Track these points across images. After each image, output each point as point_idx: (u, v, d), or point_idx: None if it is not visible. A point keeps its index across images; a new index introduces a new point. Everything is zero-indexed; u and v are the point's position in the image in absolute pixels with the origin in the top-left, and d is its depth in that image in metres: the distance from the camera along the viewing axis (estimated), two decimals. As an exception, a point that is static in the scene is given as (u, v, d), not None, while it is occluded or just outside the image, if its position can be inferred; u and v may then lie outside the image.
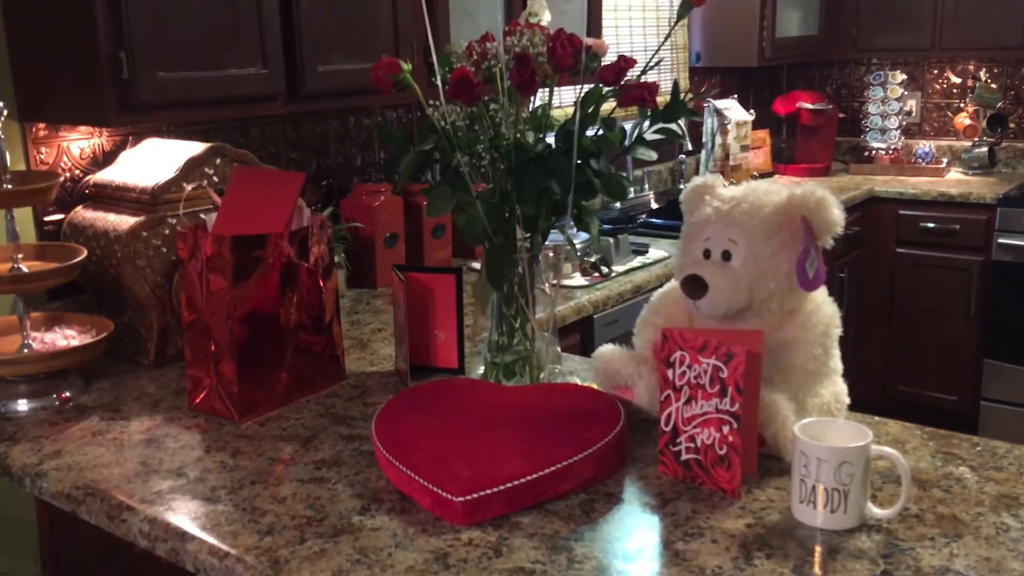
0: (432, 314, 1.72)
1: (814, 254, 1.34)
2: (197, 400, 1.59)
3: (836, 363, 1.42)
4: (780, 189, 1.38)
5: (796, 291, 1.36)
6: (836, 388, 1.42)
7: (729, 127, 3.77)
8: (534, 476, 1.23)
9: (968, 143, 4.12)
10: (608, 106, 1.48)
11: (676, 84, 1.49)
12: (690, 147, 3.75)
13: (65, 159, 1.95)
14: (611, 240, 2.62)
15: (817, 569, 1.09)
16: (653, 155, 1.51)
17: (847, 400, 1.44)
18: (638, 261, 2.66)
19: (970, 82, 4.19)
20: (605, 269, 2.52)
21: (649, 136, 1.50)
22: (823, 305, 1.39)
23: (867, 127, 4.24)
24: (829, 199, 1.33)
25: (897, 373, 3.82)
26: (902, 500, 1.17)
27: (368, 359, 1.86)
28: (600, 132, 1.49)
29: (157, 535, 1.23)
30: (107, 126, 1.92)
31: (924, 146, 4.19)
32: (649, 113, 1.47)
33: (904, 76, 4.18)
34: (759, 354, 1.25)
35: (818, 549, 1.14)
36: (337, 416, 1.57)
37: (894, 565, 1.09)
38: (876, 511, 1.18)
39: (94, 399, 1.67)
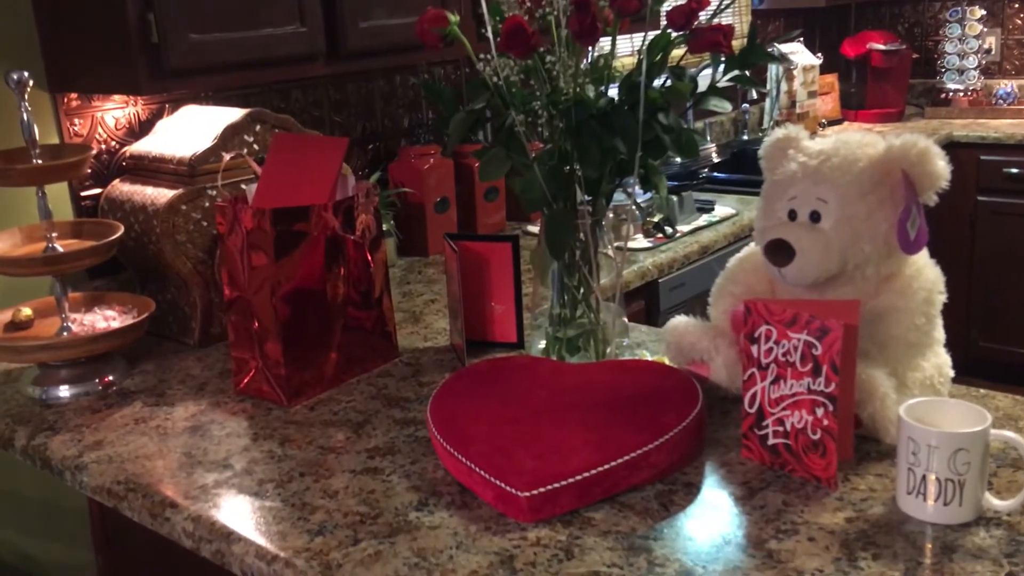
0: (488, 285, 1.61)
1: (916, 212, 1.19)
2: (243, 383, 1.51)
3: (939, 333, 1.28)
4: (875, 140, 1.23)
5: (895, 254, 1.21)
6: (939, 360, 1.28)
7: (795, 72, 3.56)
8: (605, 467, 1.11)
9: (1053, 81, 3.86)
10: (676, 53, 1.34)
11: (754, 25, 1.34)
12: (755, 95, 3.55)
13: (100, 130, 1.86)
14: (674, 198, 2.47)
15: (931, 572, 0.97)
16: (727, 106, 1.36)
17: (951, 373, 1.30)
18: (704, 220, 2.51)
19: (1055, 15, 3.90)
20: (669, 230, 2.37)
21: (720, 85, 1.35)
22: (924, 269, 1.24)
23: (943, 67, 3.98)
24: (933, 149, 1.18)
25: (978, 329, 3.62)
26: (1026, 490, 1.03)
27: (421, 333, 1.75)
28: (668, 83, 1.35)
29: (202, 535, 1.14)
30: (138, 94, 1.82)
31: (1005, 86, 3.92)
32: (723, 59, 1.32)
33: (983, 11, 3.90)
34: (856, 327, 1.11)
35: (931, 547, 1.01)
36: (390, 398, 1.47)
37: (1020, 566, 0.96)
38: (995, 502, 1.05)
39: (137, 383, 1.59)
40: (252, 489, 1.21)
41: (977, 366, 3.42)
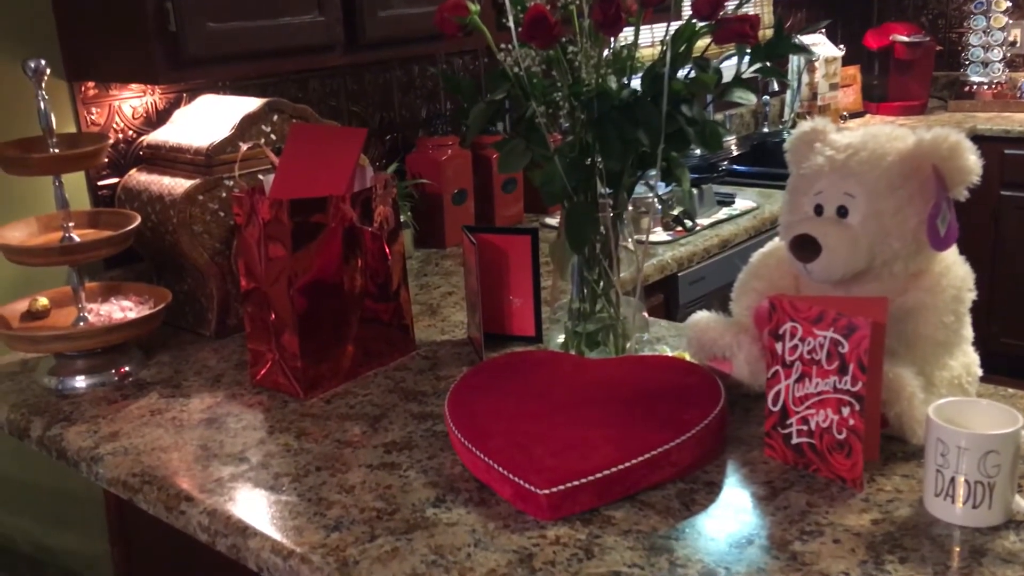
0: (507, 279, 1.59)
1: (946, 208, 1.16)
2: (259, 375, 1.50)
3: (968, 331, 1.25)
4: (905, 134, 1.20)
5: (924, 251, 1.19)
6: (967, 359, 1.25)
7: (817, 64, 3.52)
8: (626, 465, 1.09)
9: (1080, 74, 3.80)
10: (700, 44, 1.31)
11: (780, 17, 1.31)
12: (776, 87, 3.52)
13: (117, 119, 1.85)
14: (694, 191, 2.44)
15: (961, 577, 0.94)
16: (752, 98, 1.34)
17: (979, 372, 1.27)
18: (724, 213, 2.48)
19: (1083, 7, 3.84)
20: (689, 223, 2.34)
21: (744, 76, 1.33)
22: (954, 266, 1.22)
23: (967, 60, 3.92)
24: (964, 144, 1.15)
25: (1000, 325, 3.57)
26: (1058, 494, 1.01)
27: (439, 326, 1.74)
28: (691, 74, 1.32)
29: (217, 529, 1.13)
30: (156, 83, 1.81)
31: (1030, 79, 3.87)
32: (748, 51, 1.29)
33: (1008, 3, 3.84)
34: (883, 325, 1.09)
35: (959, 551, 0.98)
36: (407, 392, 1.45)
37: (1052, 572, 0.94)
38: (1026, 506, 1.02)
39: (153, 374, 1.59)
40: (268, 483, 1.20)
41: (997, 361, 3.36)
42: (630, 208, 1.50)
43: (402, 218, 2.09)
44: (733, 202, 2.57)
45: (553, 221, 2.38)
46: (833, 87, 3.62)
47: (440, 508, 1.12)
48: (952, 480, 1.01)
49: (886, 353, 1.13)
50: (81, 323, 1.56)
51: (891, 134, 1.20)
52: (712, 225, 2.40)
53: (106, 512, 1.84)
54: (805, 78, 3.55)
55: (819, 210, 1.22)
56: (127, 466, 1.27)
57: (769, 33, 1.31)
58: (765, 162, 3.16)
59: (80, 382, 1.53)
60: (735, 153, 3.34)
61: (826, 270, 1.20)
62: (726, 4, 1.26)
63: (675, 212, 2.34)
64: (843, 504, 1.07)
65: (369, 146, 2.33)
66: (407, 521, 1.09)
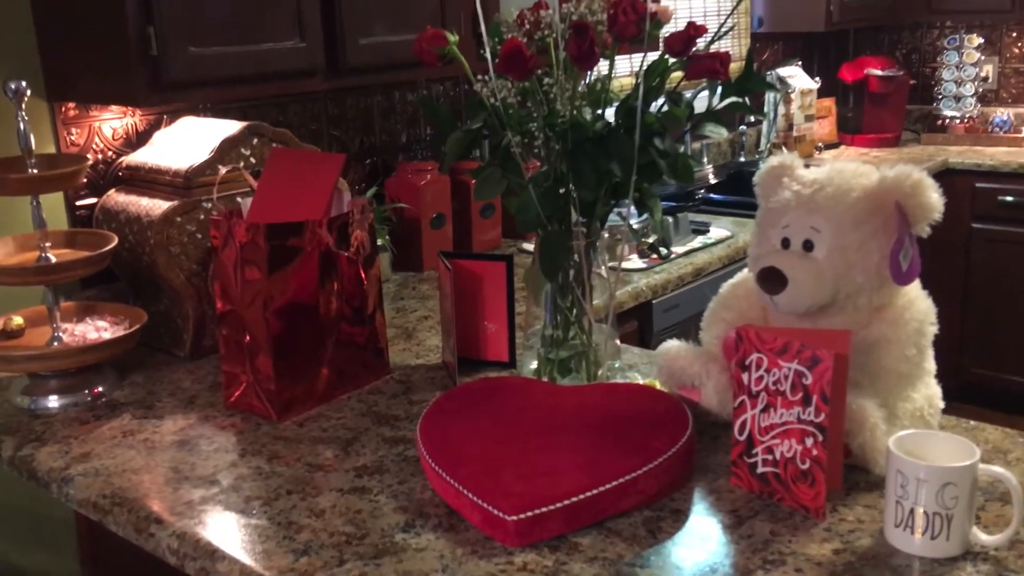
0: (481, 304, 1.61)
1: (908, 244, 1.19)
2: (233, 397, 1.50)
3: (930, 364, 1.28)
4: (869, 171, 1.23)
5: (887, 285, 1.21)
6: (930, 391, 1.28)
7: (793, 96, 3.58)
8: (594, 492, 1.11)
9: (1050, 110, 3.87)
10: (672, 78, 1.34)
11: (751, 53, 1.34)
12: (753, 118, 3.56)
13: (97, 140, 1.86)
14: (669, 220, 2.47)
15: (918, 606, 0.96)
16: (723, 132, 1.37)
17: (941, 404, 1.30)
18: (699, 241, 2.51)
19: (1052, 45, 3.93)
20: (664, 250, 2.37)
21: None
22: (916, 300, 1.24)
23: (940, 94, 4.00)
24: (926, 181, 1.18)
25: (971, 356, 3.62)
26: (1014, 525, 1.03)
27: (414, 350, 1.75)
28: (664, 108, 1.35)
29: (186, 552, 1.14)
30: (136, 106, 1.83)
31: (1002, 114, 3.93)
32: (720, 86, 1.32)
33: (980, 39, 3.92)
34: (846, 357, 1.11)
35: (917, 581, 1.00)
36: (380, 416, 1.46)
37: (1007, 602, 0.96)
38: (983, 537, 1.04)
39: (127, 394, 1.59)
40: (239, 506, 1.21)
41: (969, 393, 3.42)
42: (605, 236, 1.53)
43: (380, 242, 2.11)
44: (708, 231, 2.60)
45: (530, 247, 2.40)
46: (809, 118, 3.68)
47: (409, 533, 1.13)
48: (911, 511, 1.03)
49: (850, 385, 1.15)
50: (55, 343, 1.56)
51: (856, 171, 1.23)
52: (687, 253, 2.43)
53: (77, 533, 1.83)
54: (781, 109, 3.61)
55: (786, 243, 1.25)
56: (97, 487, 1.28)
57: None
58: (741, 191, 3.19)
59: (53, 402, 1.53)
60: (712, 182, 3.38)
61: (792, 302, 1.22)
62: (698, 41, 1.29)
63: (651, 240, 2.37)
64: (806, 533, 1.09)
65: (349, 170, 2.34)
66: (376, 546, 1.10)
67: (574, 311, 1.45)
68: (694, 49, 1.30)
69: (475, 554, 1.07)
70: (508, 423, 1.29)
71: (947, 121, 3.98)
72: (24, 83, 1.46)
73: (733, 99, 1.34)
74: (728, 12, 2.46)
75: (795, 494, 1.13)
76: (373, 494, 1.22)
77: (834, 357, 1.08)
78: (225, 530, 1.15)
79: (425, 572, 1.04)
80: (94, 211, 1.81)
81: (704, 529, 1.12)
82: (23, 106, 1.47)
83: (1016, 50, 4.03)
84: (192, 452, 1.37)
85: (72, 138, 1.82)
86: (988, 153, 3.67)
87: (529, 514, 1.08)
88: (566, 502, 1.09)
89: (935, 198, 1.18)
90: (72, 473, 1.32)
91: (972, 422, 1.35)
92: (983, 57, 3.96)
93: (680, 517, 1.14)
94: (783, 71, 3.61)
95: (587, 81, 1.37)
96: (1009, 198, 3.50)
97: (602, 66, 1.35)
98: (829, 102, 3.90)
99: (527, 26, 1.32)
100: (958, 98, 3.97)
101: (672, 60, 1.31)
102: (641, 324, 2.23)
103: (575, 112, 1.31)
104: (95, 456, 1.36)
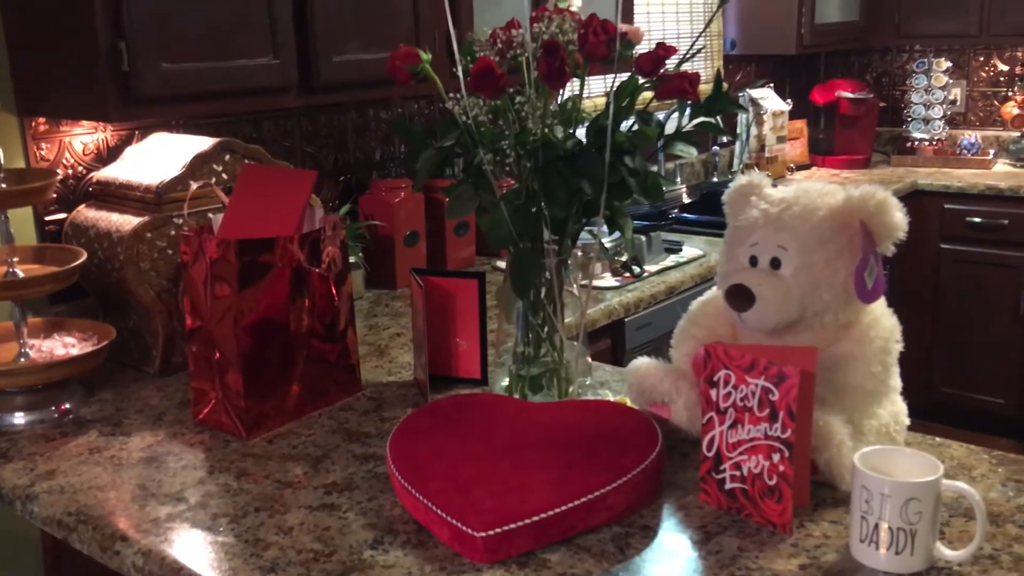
0: (453, 321, 1.61)
1: (874, 262, 1.21)
2: (202, 414, 1.49)
3: (896, 381, 1.29)
4: (835, 190, 1.25)
5: (853, 303, 1.23)
6: (895, 408, 1.29)
7: (765, 117, 3.62)
8: (563, 508, 1.11)
9: (1016, 133, 3.94)
10: (643, 98, 1.36)
11: (719, 74, 1.36)
12: (725, 139, 3.60)
13: (67, 155, 1.85)
14: (642, 238, 2.49)
15: (882, 621, 0.97)
16: (693, 152, 1.38)
17: (907, 421, 1.31)
18: (671, 260, 2.53)
19: (1019, 69, 4.00)
20: (636, 269, 2.39)
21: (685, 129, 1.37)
22: (882, 318, 1.26)
23: (909, 117, 4.07)
24: (891, 201, 1.20)
25: (940, 375, 3.66)
26: (976, 541, 1.04)
27: (386, 368, 1.75)
28: (635, 127, 1.37)
29: (152, 570, 1.13)
30: (108, 122, 1.82)
31: (969, 137, 4.01)
32: (689, 106, 1.34)
33: (949, 63, 4.00)
34: (813, 373, 1.13)
35: (882, 596, 1.01)
36: (351, 433, 1.46)
37: (970, 617, 0.97)
38: (946, 552, 1.05)
39: (94, 411, 1.57)
40: (205, 523, 1.20)
41: (938, 411, 3.46)
42: (578, 253, 1.54)
43: (353, 259, 2.11)
44: (681, 249, 2.62)
45: (504, 264, 2.41)
46: (780, 140, 3.72)
47: (378, 550, 1.12)
48: (876, 526, 1.04)
49: (817, 401, 1.17)
50: (22, 359, 1.54)
51: (822, 190, 1.25)
52: (660, 272, 2.44)
53: (42, 551, 1.81)
54: (754, 130, 3.65)
55: (754, 261, 1.26)
56: (62, 505, 1.26)
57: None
58: (714, 211, 3.20)
59: (19, 418, 1.52)
60: (685, 201, 3.41)
61: (760, 319, 1.23)
62: (668, 62, 1.31)
63: (623, 259, 2.38)
64: (773, 549, 1.10)
65: (323, 187, 2.34)
66: (344, 563, 1.10)
67: (545, 328, 1.46)
68: (664, 69, 1.31)
69: (443, 570, 1.07)
70: (479, 440, 1.29)
71: (916, 143, 4.05)
72: (-7, 97, 1.45)
73: (702, 119, 1.36)
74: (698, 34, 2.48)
75: (762, 510, 1.14)
76: (342, 511, 1.22)
77: (800, 374, 1.09)
78: (191, 547, 1.14)
79: (393, 589, 1.04)
80: (64, 226, 1.80)
81: (673, 545, 1.12)
82: (-8, 120, 1.46)
83: (984, 74, 4.11)
84: (159, 469, 1.35)
85: (42, 153, 1.81)
86: (956, 175, 3.73)
87: (498, 530, 1.07)
88: (535, 518, 1.09)
89: (899, 217, 1.20)
90: (37, 490, 1.30)
91: (938, 439, 1.37)
92: (951, 81, 4.03)
93: (649, 533, 1.15)
94: (755, 93, 3.65)
95: (559, 100, 1.38)
96: (977, 219, 3.55)
97: (575, 85, 1.37)
98: (801, 124, 3.95)
99: (499, 45, 1.33)
100: (927, 120, 4.04)
101: (642, 80, 1.33)
102: (614, 342, 2.24)
103: (546, 130, 1.32)
104: (60, 473, 1.35)
